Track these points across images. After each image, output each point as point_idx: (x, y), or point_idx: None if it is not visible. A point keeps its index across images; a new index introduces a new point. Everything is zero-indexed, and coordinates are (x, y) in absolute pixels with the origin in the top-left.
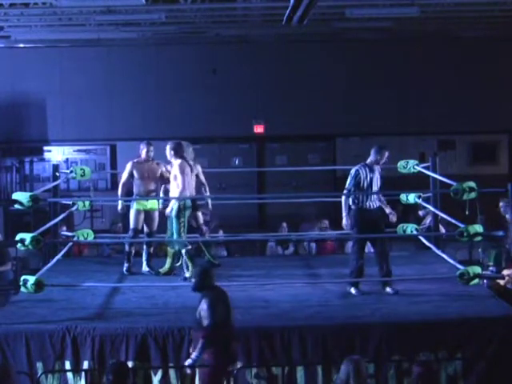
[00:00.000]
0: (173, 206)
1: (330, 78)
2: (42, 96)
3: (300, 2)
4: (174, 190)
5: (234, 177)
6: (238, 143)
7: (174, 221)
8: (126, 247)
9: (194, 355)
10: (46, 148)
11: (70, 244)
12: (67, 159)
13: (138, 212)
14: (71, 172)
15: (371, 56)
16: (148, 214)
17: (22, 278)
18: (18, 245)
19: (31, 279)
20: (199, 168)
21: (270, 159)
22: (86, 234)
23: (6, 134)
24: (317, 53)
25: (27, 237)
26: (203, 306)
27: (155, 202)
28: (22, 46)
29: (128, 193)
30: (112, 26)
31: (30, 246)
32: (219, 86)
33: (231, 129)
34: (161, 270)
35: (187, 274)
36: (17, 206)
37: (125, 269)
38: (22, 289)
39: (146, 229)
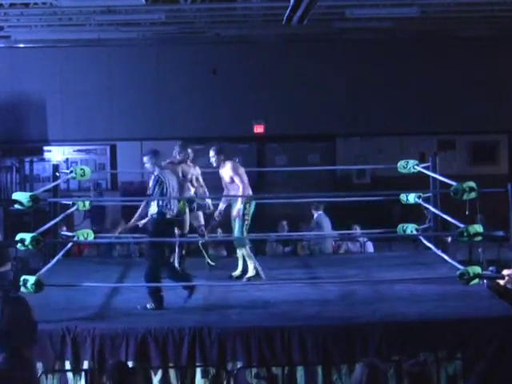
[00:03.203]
0: (239, 207)
1: (329, 77)
2: (42, 96)
3: (300, 1)
4: (235, 191)
5: None
6: (238, 143)
7: (239, 221)
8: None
9: None
10: (46, 148)
11: (70, 244)
12: (67, 159)
13: None
14: (71, 172)
15: (371, 56)
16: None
17: (22, 278)
18: (18, 245)
19: (31, 279)
20: (198, 170)
21: (270, 159)
22: (85, 234)
23: (6, 133)
24: (317, 53)
25: (27, 237)
26: None
27: (184, 203)
28: (22, 45)
29: None
30: (112, 26)
31: (30, 246)
32: (219, 86)
33: (231, 129)
34: (233, 274)
35: (249, 274)
36: (17, 206)
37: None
38: (22, 289)
39: (177, 231)
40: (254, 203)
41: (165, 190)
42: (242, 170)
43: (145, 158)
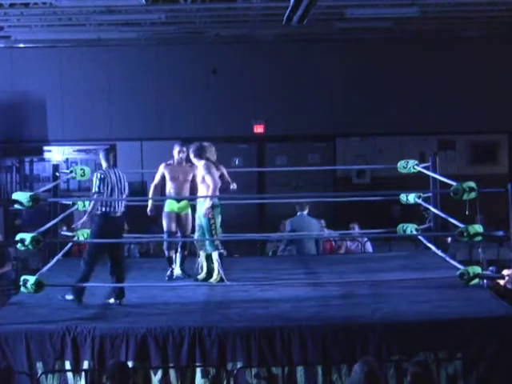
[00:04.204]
0: (207, 206)
1: (329, 77)
2: (42, 96)
3: (300, 1)
4: (203, 191)
5: (234, 177)
6: (238, 143)
7: (205, 221)
8: (166, 253)
9: None
10: (46, 148)
11: (70, 244)
12: (67, 159)
13: (168, 214)
14: (71, 172)
15: (371, 56)
16: (179, 216)
17: (22, 278)
18: (18, 245)
19: (31, 279)
20: (223, 168)
21: (270, 159)
22: (86, 234)
23: (6, 133)
24: (317, 53)
25: (27, 237)
26: None
27: (187, 203)
28: (22, 46)
29: (161, 195)
30: (112, 26)
31: (30, 246)
32: (219, 86)
33: (231, 129)
34: (199, 277)
35: (214, 277)
36: (17, 206)
37: (168, 274)
38: (22, 289)
39: (178, 232)
40: (219, 209)
41: (109, 188)
42: (214, 170)
43: (101, 154)
